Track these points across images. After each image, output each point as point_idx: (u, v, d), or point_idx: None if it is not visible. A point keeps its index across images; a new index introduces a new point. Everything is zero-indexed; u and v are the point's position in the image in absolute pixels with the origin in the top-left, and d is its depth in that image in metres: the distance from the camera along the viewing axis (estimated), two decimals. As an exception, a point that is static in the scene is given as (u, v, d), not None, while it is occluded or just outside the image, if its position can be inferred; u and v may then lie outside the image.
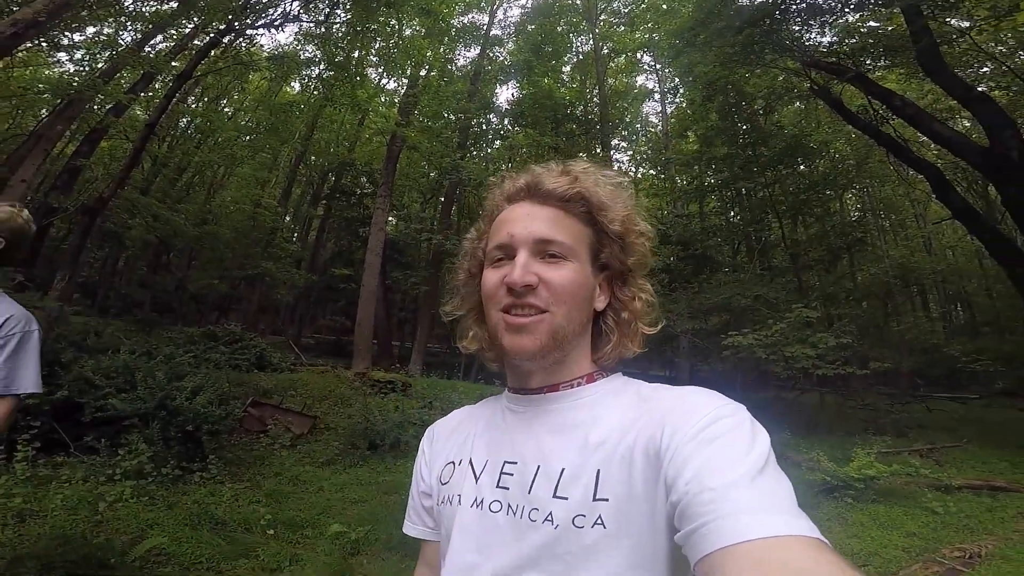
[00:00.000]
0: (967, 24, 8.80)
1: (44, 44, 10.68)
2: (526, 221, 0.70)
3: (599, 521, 0.56)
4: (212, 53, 10.97)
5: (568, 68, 21.13)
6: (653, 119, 22.59)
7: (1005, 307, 18.01)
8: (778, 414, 10.42)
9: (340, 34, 11.60)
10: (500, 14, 19.59)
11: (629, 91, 21.52)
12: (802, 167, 15.36)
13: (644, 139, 21.86)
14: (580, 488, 0.59)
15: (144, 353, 7.11)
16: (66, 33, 10.15)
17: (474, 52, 18.38)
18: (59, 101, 10.14)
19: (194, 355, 8.95)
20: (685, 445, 0.53)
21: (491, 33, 18.42)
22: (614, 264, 0.72)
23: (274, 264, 17.02)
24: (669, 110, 20.48)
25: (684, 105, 17.93)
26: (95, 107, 10.78)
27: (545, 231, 0.68)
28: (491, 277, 0.70)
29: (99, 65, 10.35)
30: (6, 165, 11.29)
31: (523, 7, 20.93)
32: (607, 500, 0.57)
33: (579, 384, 0.70)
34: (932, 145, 12.50)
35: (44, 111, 12.40)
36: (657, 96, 21.07)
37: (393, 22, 11.87)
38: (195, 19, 9.88)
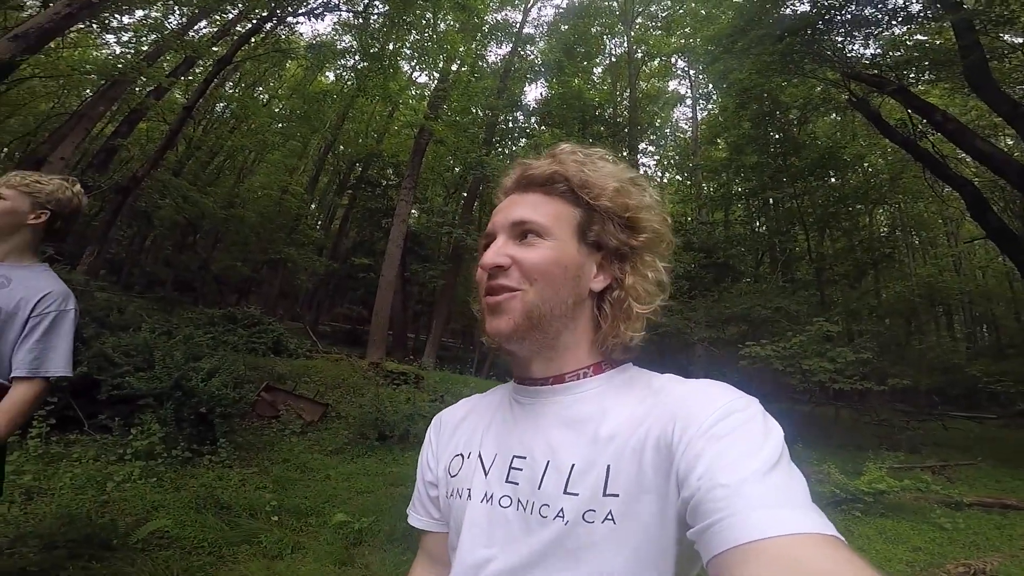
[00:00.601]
0: (1021, 40, 8.44)
1: (95, 26, 10.95)
2: (507, 209, 0.70)
3: (609, 516, 0.56)
4: (252, 40, 11.13)
5: (599, 70, 20.94)
6: (683, 125, 22.30)
7: (1032, 331, 17.38)
8: (791, 426, 10.13)
9: (377, 25, 11.66)
10: (534, 12, 19.52)
11: (660, 95, 21.22)
12: (833, 179, 14.98)
13: (673, 144, 21.57)
14: (590, 483, 0.58)
15: (164, 332, 7.26)
16: (115, 15, 10.39)
17: (506, 49, 18.36)
18: (103, 82, 10.38)
19: (213, 336, 9.11)
20: (697, 440, 0.52)
21: (524, 31, 18.33)
22: (609, 242, 0.69)
23: (297, 250, 17.26)
24: (700, 116, 20.14)
25: (716, 112, 17.63)
26: (136, 89, 11.00)
27: (520, 214, 0.68)
28: (478, 266, 0.70)
29: (144, 48, 10.59)
30: (47, 143, 11.63)
31: (557, 7, 20.84)
32: (617, 495, 0.56)
33: (585, 375, 0.68)
34: (970, 163, 12.08)
35: (88, 91, 12.57)
36: (689, 102, 20.75)
37: (429, 15, 11.89)
38: (239, 5, 10.02)
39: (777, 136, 15.03)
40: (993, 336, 21.48)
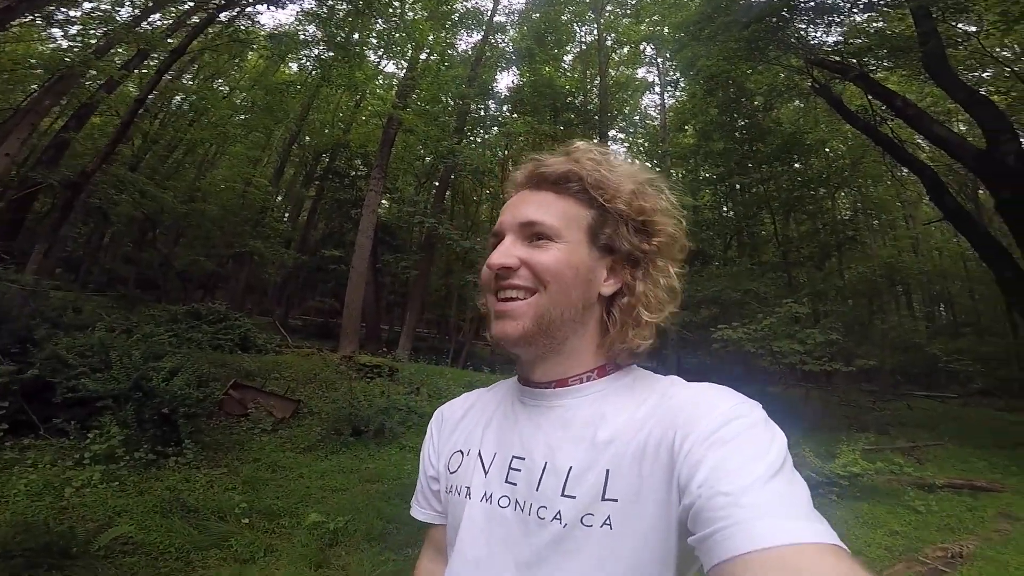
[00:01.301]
0: (974, 28, 8.74)
1: (39, 19, 10.29)
2: (516, 207, 0.69)
3: (607, 521, 0.56)
4: (209, 30, 10.62)
5: (570, 57, 20.83)
6: (652, 112, 22.44)
7: (986, 309, 18.34)
8: (764, 408, 10.55)
9: (342, 14, 11.29)
10: (504, 0, 19.23)
11: (630, 83, 21.28)
12: (797, 165, 15.37)
13: (642, 131, 21.73)
14: (588, 487, 0.58)
15: (123, 331, 6.94)
16: (62, 8, 9.78)
17: (476, 37, 18.05)
18: (49, 76, 9.82)
19: (175, 334, 8.78)
20: (698, 446, 0.52)
21: (495, 20, 18.06)
22: (622, 245, 0.68)
23: (263, 243, 16.73)
24: (669, 103, 20.29)
25: (684, 99, 17.76)
26: (86, 83, 10.47)
27: (529, 214, 0.67)
28: (485, 265, 0.68)
29: (93, 41, 10.01)
30: None
31: None
32: (616, 500, 0.56)
33: (589, 379, 0.67)
34: (926, 148, 12.53)
35: (34, 87, 11.95)
36: (657, 89, 20.87)
37: (396, 3, 11.56)
38: None
39: (743, 122, 15.28)
40: (949, 314, 22.56)
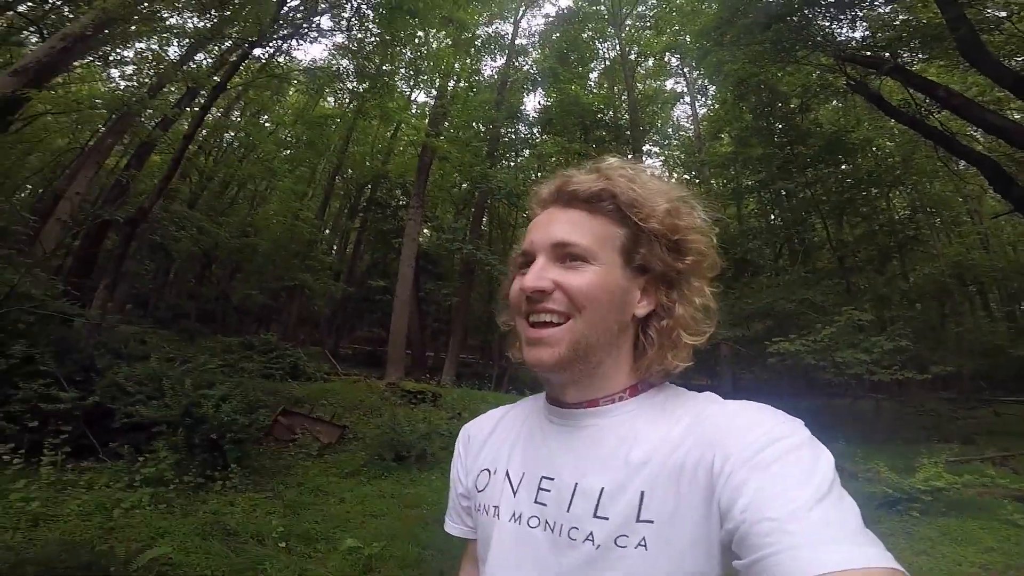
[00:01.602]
0: (1004, 13, 8.18)
1: (97, 61, 11.28)
2: (547, 226, 0.67)
3: (642, 543, 0.55)
4: (247, 66, 11.33)
5: (595, 74, 20.91)
6: (685, 123, 22.11)
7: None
8: (830, 423, 10.06)
9: (371, 47, 11.84)
10: (524, 23, 19.63)
11: (659, 95, 21.10)
12: (844, 166, 14.63)
13: (677, 143, 21.37)
14: (622, 508, 0.57)
15: (182, 361, 7.29)
16: (116, 50, 10.71)
17: (500, 62, 18.48)
18: (112, 116, 10.68)
19: (227, 364, 9.16)
20: (740, 469, 0.50)
21: (516, 43, 18.45)
22: (655, 266, 0.66)
23: (312, 276, 17.41)
24: (701, 112, 19.95)
25: (716, 107, 17.41)
26: (144, 121, 11.25)
27: (563, 234, 0.65)
28: (514, 285, 0.67)
29: (146, 80, 10.87)
30: (64, 179, 11.98)
31: (546, 16, 20.88)
32: (651, 522, 0.55)
33: (621, 399, 0.66)
34: (981, 139, 11.68)
35: (100, 126, 12.93)
36: (687, 99, 20.60)
37: (420, 33, 12.02)
38: (233, 35, 10.27)
39: (780, 126, 14.80)
40: (1033, 313, 20.54)
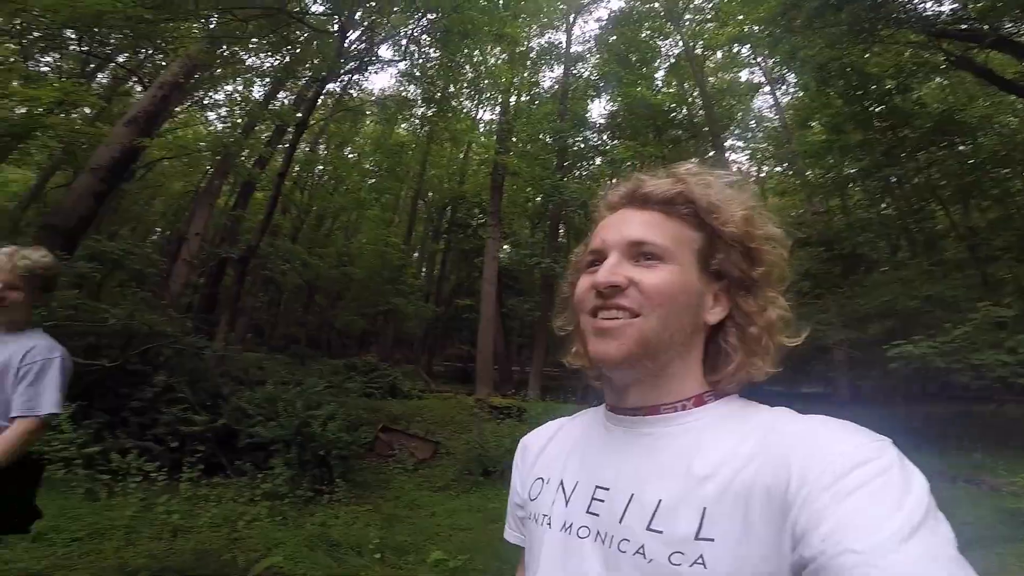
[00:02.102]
0: None
1: (194, 106, 12.78)
2: (621, 225, 0.67)
3: (700, 561, 0.52)
4: (323, 101, 12.33)
5: (662, 73, 20.19)
6: (768, 113, 20.60)
7: None
8: (965, 432, 8.93)
9: (432, 70, 12.47)
10: (577, 30, 19.39)
11: (733, 87, 19.84)
12: (962, 146, 12.83)
13: (762, 135, 19.95)
14: (680, 523, 0.54)
15: (292, 384, 8.09)
16: (208, 93, 12.15)
17: (558, 71, 18.45)
18: (218, 157, 12.08)
19: (333, 385, 9.98)
20: (820, 494, 0.47)
21: (571, 50, 18.26)
22: (732, 272, 0.65)
23: (403, 299, 18.49)
24: (784, 101, 18.49)
25: (800, 94, 16.08)
26: (243, 160, 12.39)
27: (638, 233, 0.65)
28: (582, 283, 0.67)
29: (239, 121, 12.12)
30: (184, 221, 13.77)
31: (599, 20, 20.47)
32: (712, 540, 0.52)
33: (685, 407, 0.63)
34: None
35: (208, 168, 14.12)
36: (767, 89, 19.19)
37: (476, 52, 12.46)
38: (305, 72, 11.30)
39: (877, 109, 13.30)
40: None
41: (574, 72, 18.29)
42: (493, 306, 14.93)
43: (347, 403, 8.02)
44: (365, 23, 10.69)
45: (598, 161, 17.80)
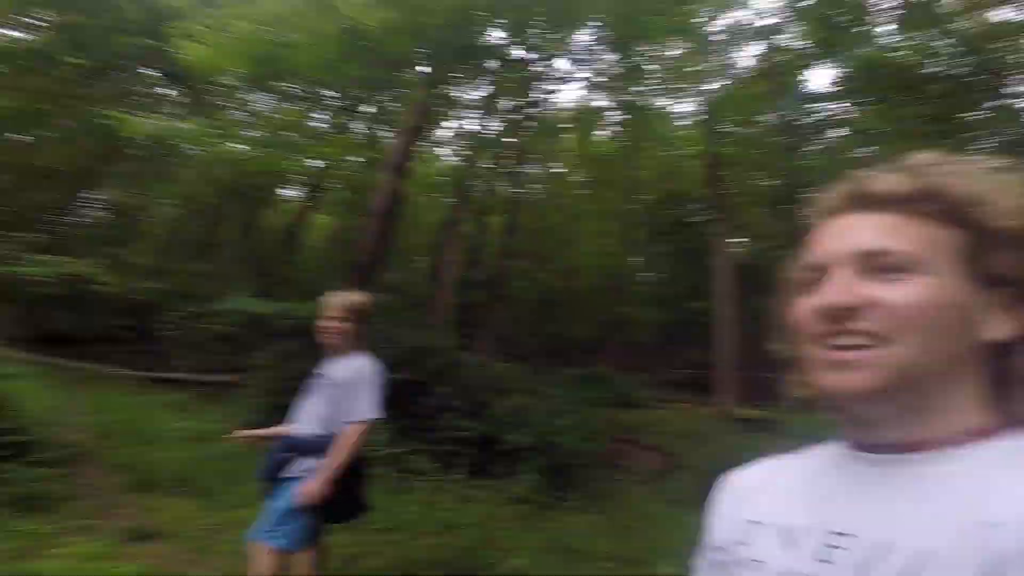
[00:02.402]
0: None
1: (428, 144, 14.54)
2: (847, 233, 0.55)
3: None
4: (523, 123, 13.31)
5: (893, 26, 15.36)
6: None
7: None
8: None
9: (616, 73, 12.34)
10: (764, 2, 16.31)
11: (1005, 28, 13.65)
12: None
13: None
14: None
15: (535, 394, 8.98)
16: (434, 130, 14.01)
17: (759, 48, 15.88)
18: (455, 187, 13.99)
19: (571, 394, 10.69)
20: None
21: (765, 23, 15.54)
22: (1015, 276, 0.52)
23: (631, 307, 18.58)
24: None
25: None
26: (473, 186, 14.11)
27: (874, 240, 0.53)
28: (800, 305, 0.56)
29: (467, 153, 13.97)
30: (438, 249, 16.34)
31: None
32: None
33: (964, 442, 0.50)
34: None
35: (451, 198, 15.87)
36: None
37: (658, 49, 11.89)
38: (503, 98, 12.35)
39: None
40: None
41: (775, 46, 15.73)
42: (731, 307, 13.78)
43: (584, 413, 8.50)
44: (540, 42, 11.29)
45: (837, 134, 14.77)
